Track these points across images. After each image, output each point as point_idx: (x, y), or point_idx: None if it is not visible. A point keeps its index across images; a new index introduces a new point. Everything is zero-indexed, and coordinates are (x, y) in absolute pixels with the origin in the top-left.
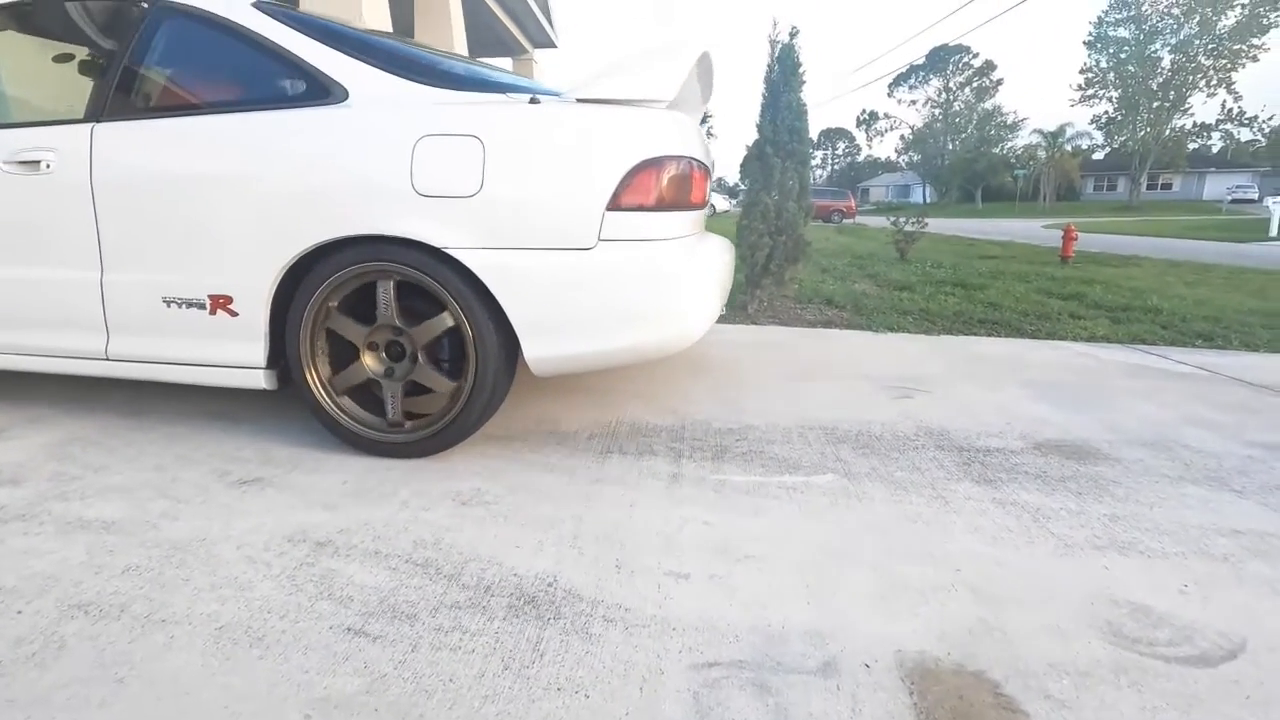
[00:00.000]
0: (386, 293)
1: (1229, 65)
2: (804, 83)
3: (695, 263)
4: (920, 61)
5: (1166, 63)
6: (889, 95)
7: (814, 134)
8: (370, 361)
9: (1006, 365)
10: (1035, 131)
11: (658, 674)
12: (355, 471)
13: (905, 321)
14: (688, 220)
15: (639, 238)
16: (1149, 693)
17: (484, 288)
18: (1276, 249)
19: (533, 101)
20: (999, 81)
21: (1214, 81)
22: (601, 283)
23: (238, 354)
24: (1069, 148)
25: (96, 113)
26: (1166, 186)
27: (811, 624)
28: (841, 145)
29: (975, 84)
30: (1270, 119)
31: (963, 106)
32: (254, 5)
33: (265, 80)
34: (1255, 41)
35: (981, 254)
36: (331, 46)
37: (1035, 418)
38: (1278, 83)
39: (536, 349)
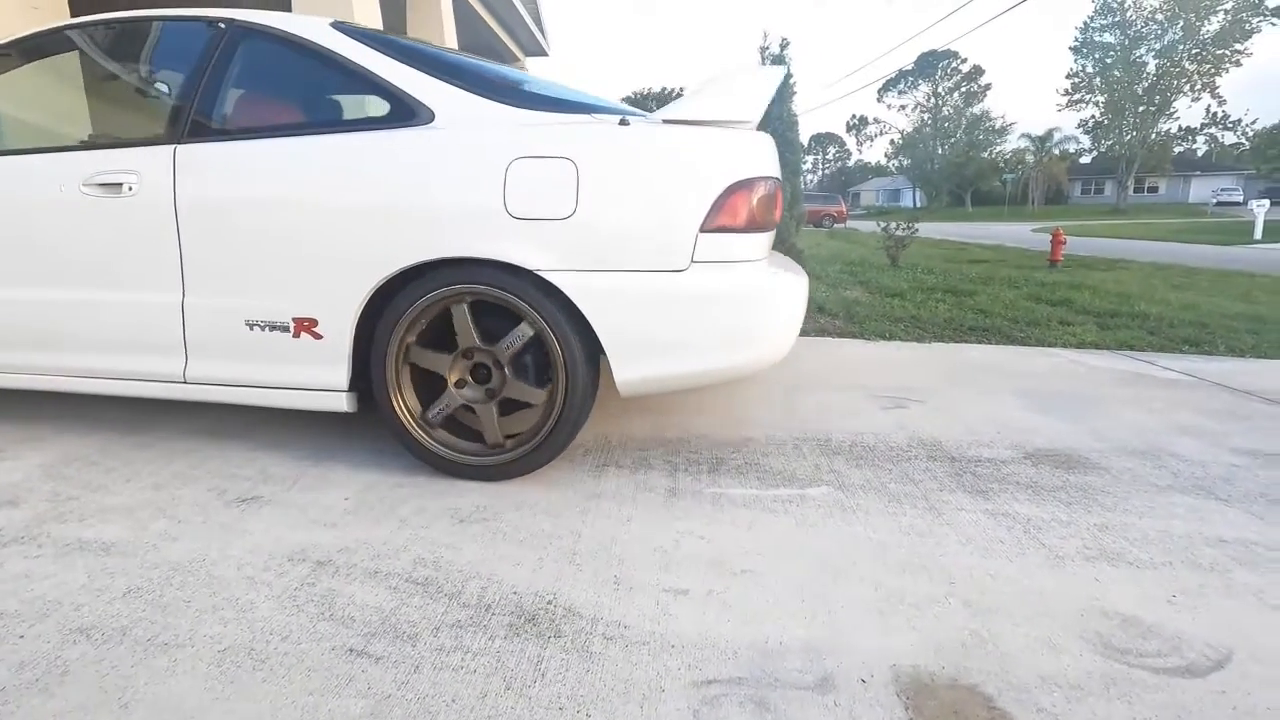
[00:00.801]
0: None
1: (1213, 70)
2: (794, 93)
3: (782, 282)
4: (909, 67)
5: (1151, 68)
6: (879, 100)
7: (804, 139)
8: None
9: (997, 373)
10: (1023, 136)
11: (658, 691)
12: (355, 489)
13: (897, 329)
14: (769, 241)
15: (730, 259)
16: (1139, 704)
17: (575, 310)
18: (1261, 252)
19: (622, 123)
20: (987, 86)
21: (1198, 86)
22: (694, 305)
23: (319, 377)
24: (1056, 151)
25: (177, 134)
26: (1153, 190)
27: (808, 639)
28: (832, 150)
29: (964, 89)
30: (1254, 122)
31: (951, 111)
32: (332, 25)
33: (348, 102)
34: (1238, 46)
35: (971, 259)
36: (414, 67)
37: (1026, 427)
38: (1260, 86)
39: (627, 371)
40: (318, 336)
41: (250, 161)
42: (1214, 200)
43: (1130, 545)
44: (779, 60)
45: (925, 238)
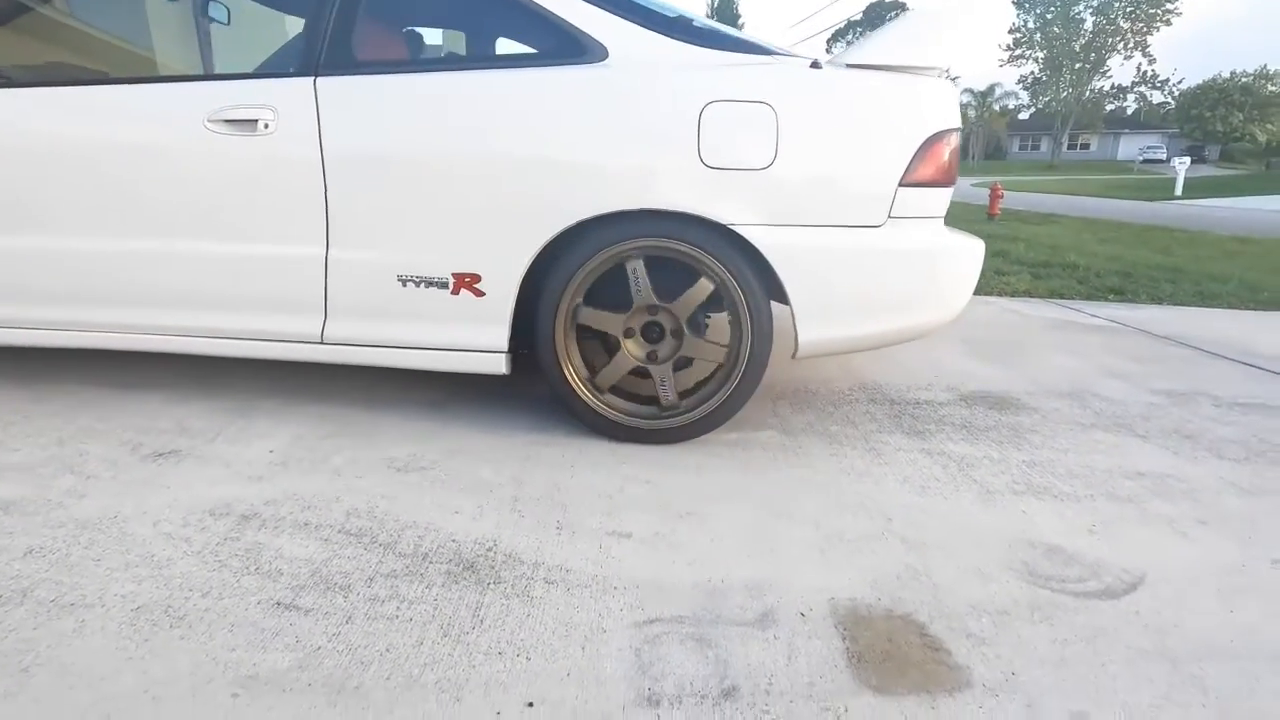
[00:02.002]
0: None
1: (1145, 29)
2: None
3: (967, 242)
4: (858, 17)
5: (1089, 24)
6: (828, 51)
7: None
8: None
9: None
10: (966, 90)
11: (600, 633)
12: (282, 441)
13: None
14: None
15: (922, 215)
16: (1060, 626)
17: (762, 266)
18: (1180, 208)
19: (813, 65)
20: None
21: (1131, 44)
22: (889, 263)
23: (477, 337)
24: (997, 107)
25: (312, 64)
26: (1085, 146)
27: (751, 577)
28: None
29: None
30: (1180, 82)
31: None
32: None
33: (509, 33)
34: (1169, 6)
35: None
36: None
37: (962, 371)
38: (1188, 47)
39: (813, 331)
40: (479, 294)
41: (404, 98)
42: (1140, 158)
43: (1056, 480)
44: (727, 1)
45: None
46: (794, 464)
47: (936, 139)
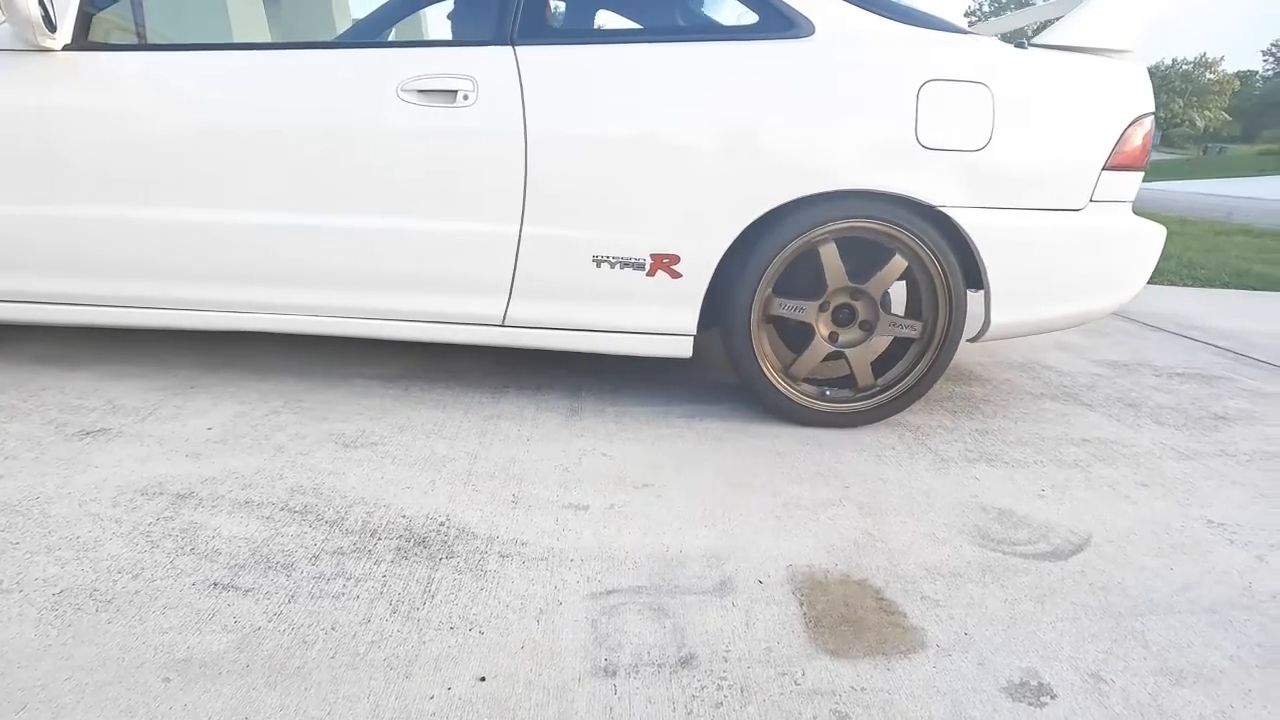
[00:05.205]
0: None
1: None
2: None
3: (1153, 226)
4: None
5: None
6: None
7: None
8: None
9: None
10: None
11: (555, 605)
12: (222, 417)
13: None
14: None
15: (1118, 199)
16: (1010, 587)
17: (961, 247)
18: None
19: (1018, 46)
20: None
21: None
22: (1086, 246)
23: (668, 320)
24: None
25: (506, 33)
26: None
27: (708, 547)
28: None
29: None
30: None
31: None
32: None
33: (710, 5)
34: None
35: None
36: None
37: None
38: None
39: (1006, 314)
40: (675, 275)
41: (608, 69)
42: None
43: (1006, 447)
44: None
45: None
46: (751, 434)
47: (1137, 122)
